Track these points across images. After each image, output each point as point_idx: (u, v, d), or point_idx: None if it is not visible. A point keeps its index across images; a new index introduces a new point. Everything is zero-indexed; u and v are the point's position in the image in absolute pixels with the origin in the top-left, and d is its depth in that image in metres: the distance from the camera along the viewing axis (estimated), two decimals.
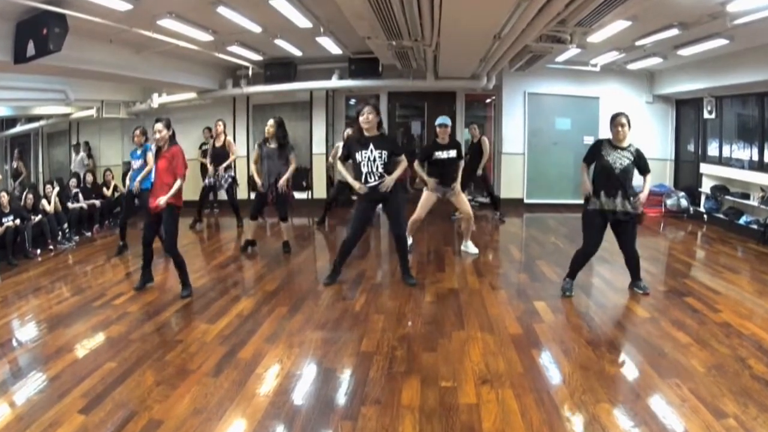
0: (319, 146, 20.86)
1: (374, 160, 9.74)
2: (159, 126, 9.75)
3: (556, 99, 19.92)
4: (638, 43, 13.82)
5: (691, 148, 18.83)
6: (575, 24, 10.71)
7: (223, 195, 17.63)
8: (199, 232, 16.47)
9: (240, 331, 8.00)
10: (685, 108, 19.05)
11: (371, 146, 9.75)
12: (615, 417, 5.40)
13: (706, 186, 16.86)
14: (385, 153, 9.70)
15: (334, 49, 16.56)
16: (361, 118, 9.76)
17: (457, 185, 12.18)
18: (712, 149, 17.24)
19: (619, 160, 9.05)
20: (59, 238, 14.80)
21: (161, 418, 5.55)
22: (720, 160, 16.64)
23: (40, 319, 8.86)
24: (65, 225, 15.13)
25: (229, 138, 16.53)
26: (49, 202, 14.91)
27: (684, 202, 17.57)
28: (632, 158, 9.09)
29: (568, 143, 19.79)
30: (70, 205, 15.80)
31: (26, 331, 8.50)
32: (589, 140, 18.77)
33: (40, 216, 14.32)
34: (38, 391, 6.22)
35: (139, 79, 16.30)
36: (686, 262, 12.15)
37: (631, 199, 8.97)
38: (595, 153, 9.33)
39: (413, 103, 22.37)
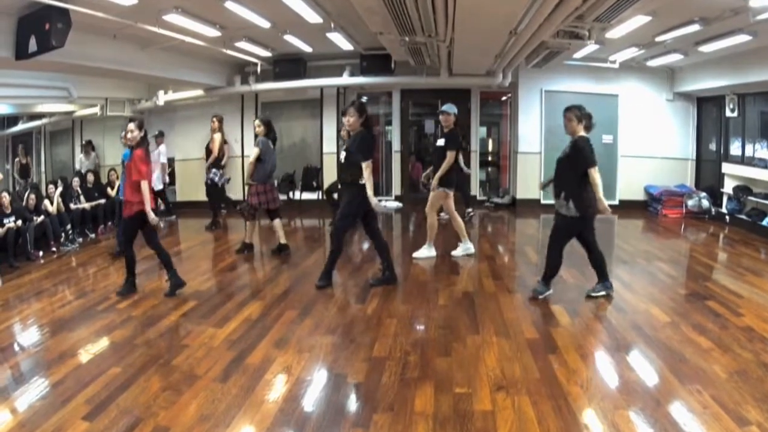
0: (329, 145, 20.80)
1: (342, 162, 9.91)
2: (131, 126, 9.89)
3: (573, 97, 19.35)
4: (658, 39, 13.79)
5: (712, 147, 18.74)
6: (593, 19, 10.70)
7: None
8: (216, 231, 16.66)
9: (248, 335, 8.00)
10: (707, 106, 18.97)
11: (345, 147, 9.95)
12: (634, 424, 5.38)
13: (728, 186, 16.80)
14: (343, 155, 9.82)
15: (345, 45, 16.64)
16: (343, 119, 9.87)
17: (435, 182, 11.97)
18: (735, 148, 17.18)
19: (559, 154, 9.16)
20: (62, 239, 14.81)
21: (167, 424, 5.55)
22: (743, 160, 16.57)
23: (43, 323, 8.88)
24: (68, 226, 15.14)
25: (217, 135, 16.73)
26: (52, 203, 14.92)
27: (705, 203, 17.49)
28: (568, 151, 9.04)
29: None
30: (72, 205, 15.82)
31: (28, 336, 8.52)
32: (608, 139, 18.87)
33: (42, 217, 14.33)
34: (41, 397, 6.23)
35: (144, 75, 16.34)
36: (708, 264, 12.13)
37: (561, 196, 8.99)
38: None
39: (427, 100, 22.09)
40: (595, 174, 8.79)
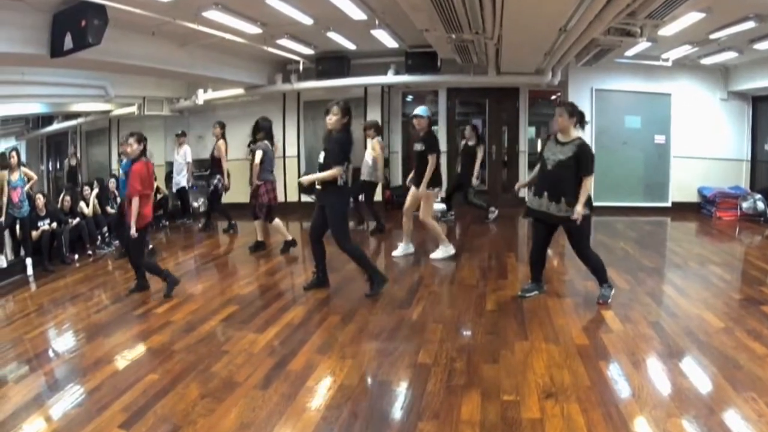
0: None
1: (319, 161, 9.90)
2: (131, 140, 10.25)
3: (625, 96, 19.73)
4: (712, 36, 13.72)
5: None
6: (646, 16, 10.65)
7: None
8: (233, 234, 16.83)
9: (290, 341, 8.01)
10: (763, 105, 18.84)
11: (324, 147, 9.93)
12: None
13: None
14: (322, 155, 9.81)
15: (390, 43, 16.63)
16: (326, 117, 9.87)
17: (423, 186, 12.12)
18: None
19: (554, 155, 9.08)
20: (98, 242, 14.94)
21: None
22: None
23: (78, 329, 8.98)
24: (104, 229, 15.25)
25: (221, 142, 16.80)
26: (88, 205, 15.04)
27: (761, 205, 17.35)
28: (571, 153, 8.96)
29: (638, 142, 19.61)
30: (109, 208, 15.89)
31: (63, 341, 8.62)
32: (660, 139, 18.84)
33: (77, 219, 14.47)
34: (76, 405, 6.28)
35: (183, 74, 16.47)
36: (763, 268, 11.95)
37: (562, 201, 8.91)
38: (542, 148, 9.55)
39: (474, 99, 22.11)
40: (590, 183, 8.90)
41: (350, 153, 9.92)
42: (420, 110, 12.40)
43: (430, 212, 12.52)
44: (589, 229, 9.28)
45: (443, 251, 12.66)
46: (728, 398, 6.03)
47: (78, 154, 24.41)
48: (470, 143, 16.83)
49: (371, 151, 15.18)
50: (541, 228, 9.51)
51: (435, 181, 12.19)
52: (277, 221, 13.66)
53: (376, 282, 10.09)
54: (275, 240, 14.36)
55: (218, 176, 16.76)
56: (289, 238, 13.69)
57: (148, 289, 10.67)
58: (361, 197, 15.81)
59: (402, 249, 12.95)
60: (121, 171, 13.50)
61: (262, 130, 13.31)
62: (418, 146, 12.31)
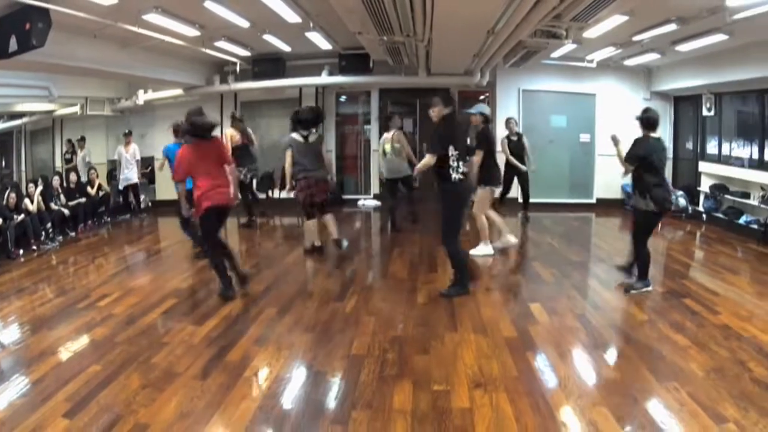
0: None
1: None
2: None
3: (551, 96, 19.90)
4: (635, 38, 13.82)
5: (689, 146, 18.82)
6: (571, 19, 10.71)
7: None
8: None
9: (228, 333, 8.01)
10: (684, 105, 19.02)
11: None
12: (612, 421, 5.40)
13: (705, 185, 16.80)
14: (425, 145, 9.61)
15: (324, 45, 16.62)
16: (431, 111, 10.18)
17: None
18: (711, 147, 17.23)
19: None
20: (42, 238, 14.79)
21: (147, 422, 5.56)
22: (719, 159, 16.61)
23: (23, 321, 8.87)
24: (48, 225, 15.10)
25: (229, 130, 16.43)
26: (32, 201, 14.86)
27: (682, 202, 17.38)
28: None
29: (564, 141, 19.78)
30: (53, 205, 15.74)
31: (8, 334, 8.49)
32: (585, 138, 19.10)
33: (22, 215, 14.29)
34: (21, 395, 6.23)
35: (125, 75, 16.34)
36: (684, 262, 12.15)
37: (647, 196, 9.19)
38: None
39: (405, 100, 22.00)
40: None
41: (449, 142, 9.62)
42: (473, 109, 12.42)
43: (485, 208, 12.32)
44: (652, 225, 9.55)
45: (483, 249, 12.40)
46: (651, 388, 6.11)
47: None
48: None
49: (392, 146, 14.85)
50: None
51: (489, 180, 12.05)
52: (308, 223, 12.68)
53: (460, 286, 9.72)
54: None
55: (248, 166, 16.31)
56: (318, 243, 12.79)
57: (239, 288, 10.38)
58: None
59: (481, 249, 12.43)
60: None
61: (292, 122, 12.39)
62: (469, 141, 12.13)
